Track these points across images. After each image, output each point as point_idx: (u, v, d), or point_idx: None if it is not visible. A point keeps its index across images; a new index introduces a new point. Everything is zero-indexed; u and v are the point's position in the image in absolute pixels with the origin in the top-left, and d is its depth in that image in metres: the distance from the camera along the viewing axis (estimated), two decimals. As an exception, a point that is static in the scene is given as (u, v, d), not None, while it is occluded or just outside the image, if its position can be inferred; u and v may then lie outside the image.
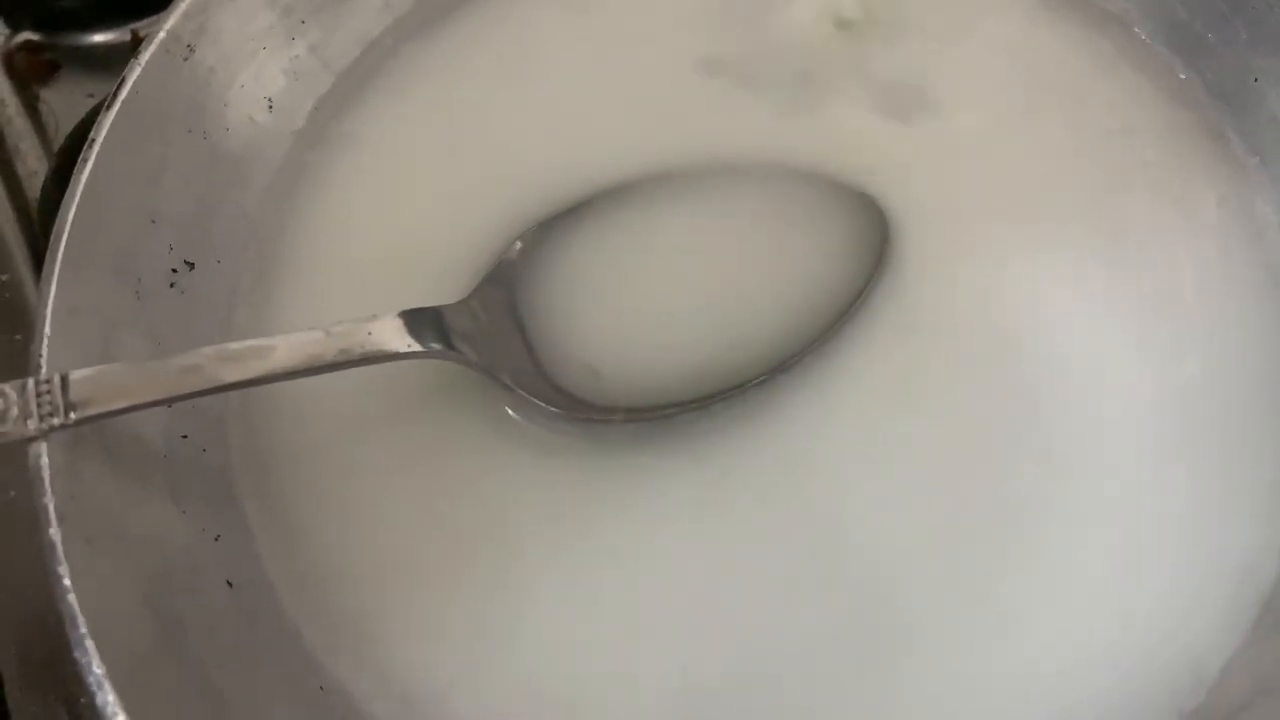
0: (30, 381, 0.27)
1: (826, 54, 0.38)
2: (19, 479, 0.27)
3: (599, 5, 0.39)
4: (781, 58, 0.37)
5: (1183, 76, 0.37)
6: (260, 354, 0.28)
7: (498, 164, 0.36)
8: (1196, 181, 0.35)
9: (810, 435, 0.32)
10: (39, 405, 0.26)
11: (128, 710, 0.24)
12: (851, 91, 0.37)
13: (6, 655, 0.34)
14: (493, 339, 0.32)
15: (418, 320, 0.30)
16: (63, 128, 0.46)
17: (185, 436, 0.31)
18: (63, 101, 0.47)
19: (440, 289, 0.33)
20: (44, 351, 0.28)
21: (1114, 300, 0.34)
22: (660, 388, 0.32)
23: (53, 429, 0.26)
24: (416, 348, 0.30)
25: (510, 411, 0.32)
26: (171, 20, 0.33)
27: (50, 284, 0.29)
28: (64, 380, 0.27)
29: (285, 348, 0.28)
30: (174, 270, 0.33)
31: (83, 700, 0.30)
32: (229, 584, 0.30)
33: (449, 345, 0.31)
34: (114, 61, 0.43)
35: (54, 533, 0.26)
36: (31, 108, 0.47)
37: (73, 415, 0.26)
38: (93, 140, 0.31)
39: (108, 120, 0.31)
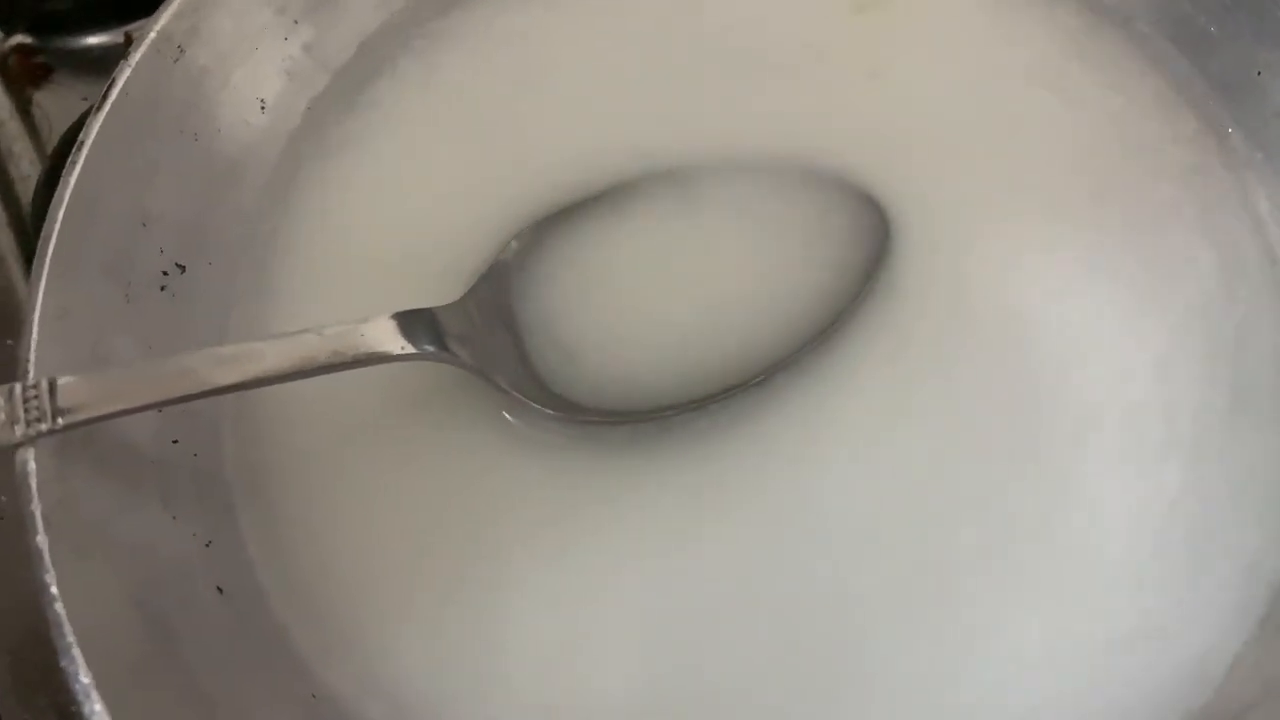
0: (17, 386, 0.26)
1: (835, 41, 0.37)
2: (7, 485, 0.27)
3: (597, 5, 0.38)
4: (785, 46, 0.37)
5: (1185, 70, 0.36)
6: (252, 357, 0.28)
7: (493, 163, 0.36)
8: (1198, 177, 0.35)
9: (809, 437, 0.32)
10: (26, 411, 0.26)
11: (116, 719, 0.24)
12: (853, 83, 0.36)
13: (-1, 663, 0.34)
14: (487, 340, 0.31)
15: (411, 322, 0.30)
16: (56, 131, 0.46)
17: (176, 441, 0.31)
18: (56, 104, 0.47)
19: (435, 290, 0.32)
20: (32, 355, 0.28)
21: (1114, 296, 0.33)
22: (657, 389, 0.32)
23: (40, 435, 0.26)
24: (410, 350, 0.30)
25: (505, 414, 0.32)
26: (162, 20, 0.33)
27: (39, 287, 0.29)
28: (52, 385, 0.26)
29: (277, 350, 0.28)
30: (165, 273, 0.32)
31: (74, 709, 0.30)
32: (220, 590, 0.29)
33: (443, 347, 0.30)
34: (108, 64, 0.43)
35: (41, 540, 0.25)
36: (24, 111, 0.47)
37: (60, 421, 0.26)
38: (82, 142, 0.31)
39: (97, 122, 0.31)
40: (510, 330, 0.32)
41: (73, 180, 0.30)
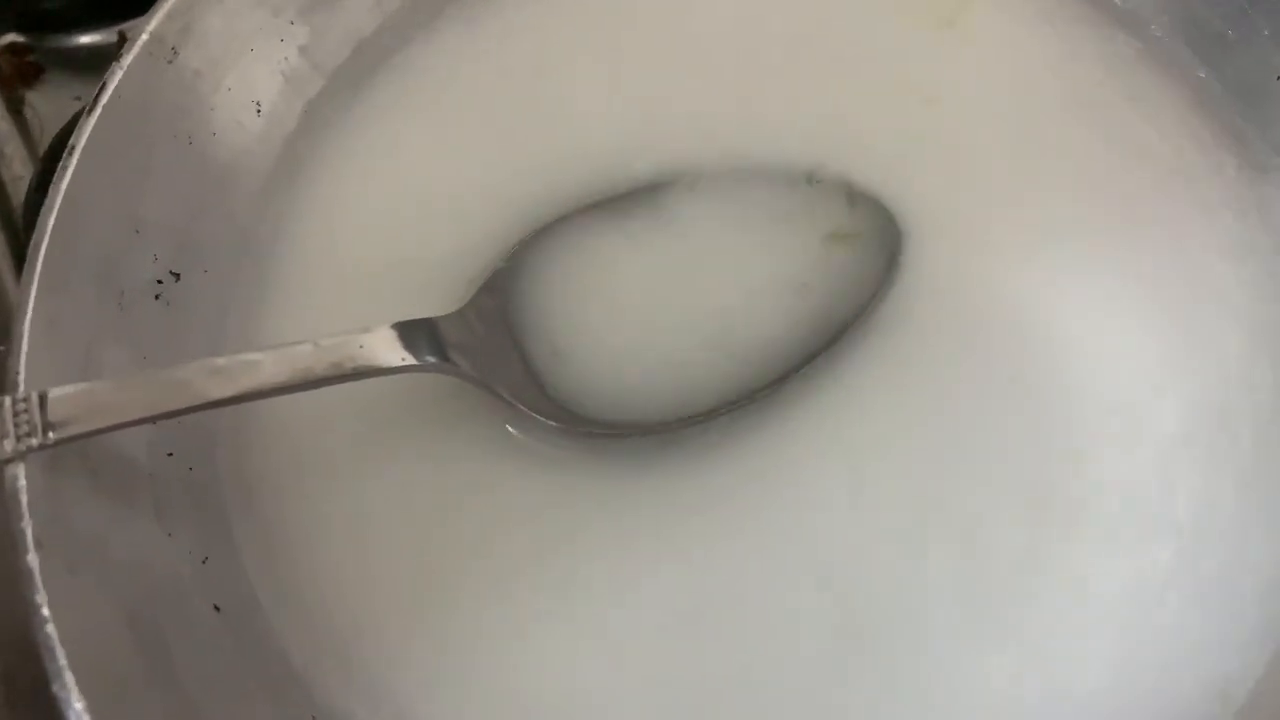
0: (7, 400, 0.26)
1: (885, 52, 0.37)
2: (-1, 499, 0.26)
3: (597, 5, 0.38)
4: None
5: (1201, 74, 0.36)
6: (248, 369, 0.27)
7: (493, 168, 0.35)
8: (1215, 182, 0.34)
9: (817, 451, 0.31)
10: (16, 425, 0.25)
11: (109, 745, 0.23)
12: (861, 87, 0.36)
13: (-9, 679, 0.33)
14: (489, 350, 0.31)
15: (411, 332, 0.29)
16: (48, 131, 0.46)
17: (171, 454, 0.30)
18: (48, 104, 0.46)
19: (434, 297, 0.32)
20: (21, 368, 0.27)
21: (1132, 304, 0.33)
22: (662, 400, 0.31)
23: (30, 450, 0.25)
24: (410, 361, 0.29)
25: (507, 426, 0.31)
26: (154, 21, 0.32)
27: (29, 297, 0.28)
28: (42, 398, 0.26)
29: (274, 362, 0.27)
30: (159, 281, 0.32)
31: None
32: (216, 608, 0.28)
33: (444, 358, 0.30)
34: (100, 64, 0.42)
35: (31, 559, 0.25)
36: (16, 111, 0.47)
37: (51, 435, 0.25)
38: (73, 147, 0.30)
39: (88, 126, 0.30)
40: (511, 340, 0.31)
41: (63, 187, 0.29)
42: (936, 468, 0.31)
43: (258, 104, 0.35)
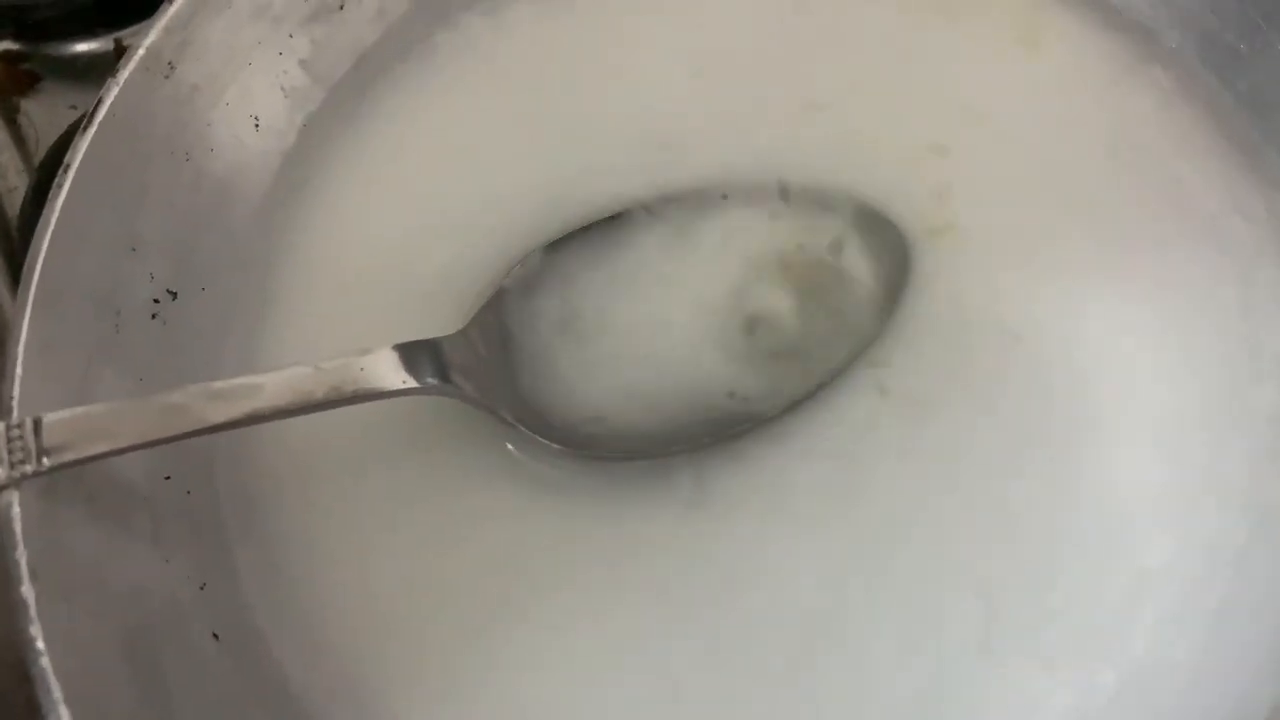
0: (0, 426, 0.25)
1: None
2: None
3: (601, 15, 0.37)
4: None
5: (1213, 88, 0.35)
6: (248, 393, 0.27)
7: (497, 182, 0.35)
8: (1228, 197, 0.34)
9: (823, 475, 0.31)
10: (10, 451, 0.25)
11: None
12: (864, 102, 0.35)
13: (-16, 702, 0.33)
14: (492, 372, 0.30)
15: (413, 354, 0.29)
16: (44, 141, 0.45)
17: (169, 478, 0.29)
18: (44, 114, 0.46)
19: (436, 316, 0.32)
20: (15, 392, 0.27)
21: (1142, 322, 0.32)
22: (666, 422, 0.31)
23: (25, 476, 0.25)
24: (412, 384, 0.29)
25: (510, 447, 0.31)
26: (151, 36, 0.31)
27: (23, 318, 0.28)
28: (37, 424, 0.25)
29: (274, 385, 0.27)
30: (156, 300, 0.31)
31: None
32: (215, 636, 0.28)
33: (446, 379, 0.29)
34: (97, 73, 0.42)
35: (26, 590, 0.24)
36: (11, 120, 0.46)
37: (46, 461, 0.25)
38: (68, 165, 0.29)
39: (84, 143, 0.30)
40: (514, 360, 0.31)
41: (58, 205, 0.29)
42: (962, 484, 0.30)
43: (256, 119, 0.34)
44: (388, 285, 0.33)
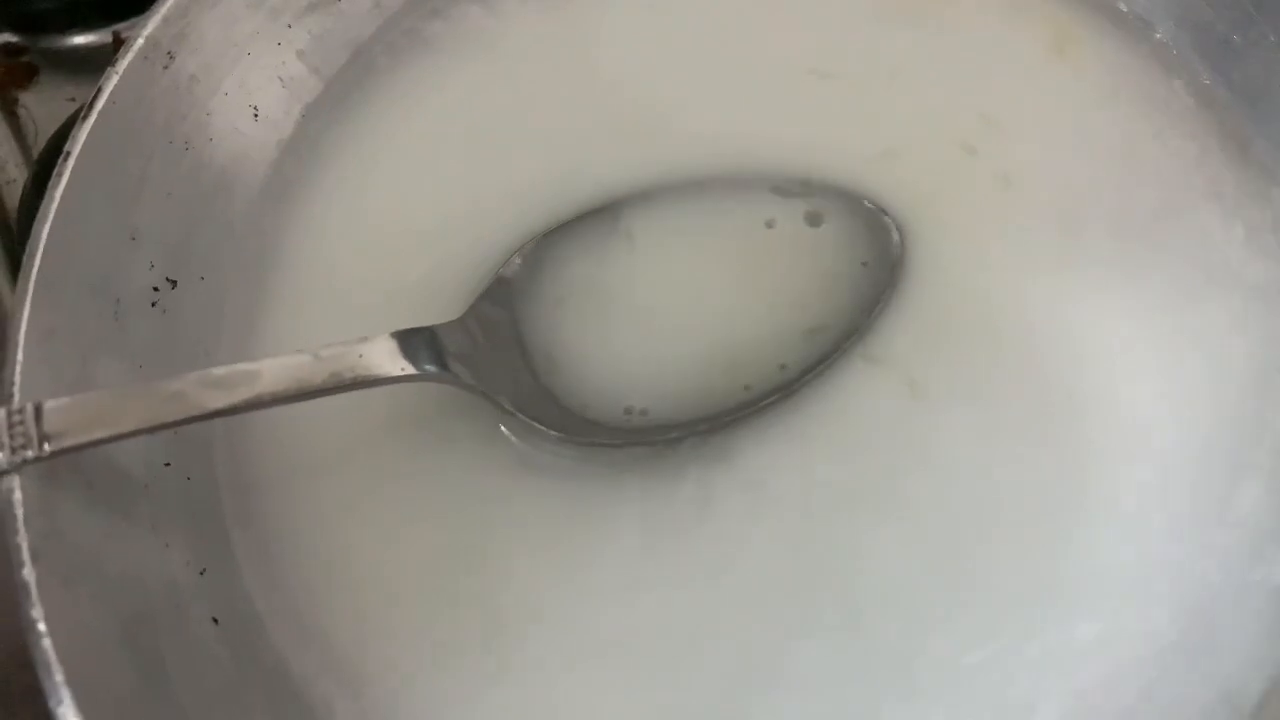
0: (1, 412, 0.25)
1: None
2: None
3: (598, 7, 0.37)
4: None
5: (1206, 80, 0.35)
6: (246, 379, 0.27)
7: (495, 173, 0.35)
8: (1222, 190, 0.34)
9: (820, 459, 0.31)
10: (11, 437, 0.25)
11: (107, 763, 0.23)
12: (864, 95, 0.36)
13: (-15, 689, 0.33)
14: (490, 359, 0.30)
15: (411, 341, 0.29)
16: (42, 133, 0.45)
17: (168, 464, 0.30)
18: (42, 106, 0.46)
19: (435, 304, 0.32)
20: (16, 378, 0.27)
21: (1136, 316, 0.33)
22: (665, 408, 0.31)
23: (26, 462, 0.25)
24: (410, 370, 0.29)
25: (509, 434, 0.31)
26: (150, 26, 0.32)
27: (23, 307, 0.28)
28: (38, 410, 0.25)
29: (272, 372, 0.27)
30: (155, 289, 0.31)
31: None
32: (215, 620, 0.28)
33: (444, 367, 0.29)
34: (95, 64, 0.42)
35: (28, 573, 0.24)
36: (10, 112, 0.46)
37: (47, 447, 0.25)
38: (68, 154, 0.29)
39: (83, 132, 0.30)
40: (513, 349, 0.31)
41: (58, 195, 0.29)
42: (961, 470, 0.30)
43: (255, 109, 0.34)
44: (386, 273, 0.33)
